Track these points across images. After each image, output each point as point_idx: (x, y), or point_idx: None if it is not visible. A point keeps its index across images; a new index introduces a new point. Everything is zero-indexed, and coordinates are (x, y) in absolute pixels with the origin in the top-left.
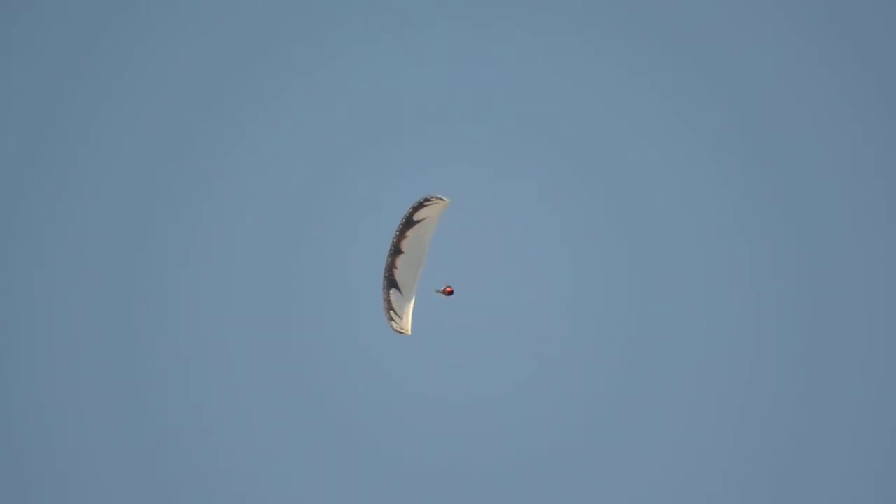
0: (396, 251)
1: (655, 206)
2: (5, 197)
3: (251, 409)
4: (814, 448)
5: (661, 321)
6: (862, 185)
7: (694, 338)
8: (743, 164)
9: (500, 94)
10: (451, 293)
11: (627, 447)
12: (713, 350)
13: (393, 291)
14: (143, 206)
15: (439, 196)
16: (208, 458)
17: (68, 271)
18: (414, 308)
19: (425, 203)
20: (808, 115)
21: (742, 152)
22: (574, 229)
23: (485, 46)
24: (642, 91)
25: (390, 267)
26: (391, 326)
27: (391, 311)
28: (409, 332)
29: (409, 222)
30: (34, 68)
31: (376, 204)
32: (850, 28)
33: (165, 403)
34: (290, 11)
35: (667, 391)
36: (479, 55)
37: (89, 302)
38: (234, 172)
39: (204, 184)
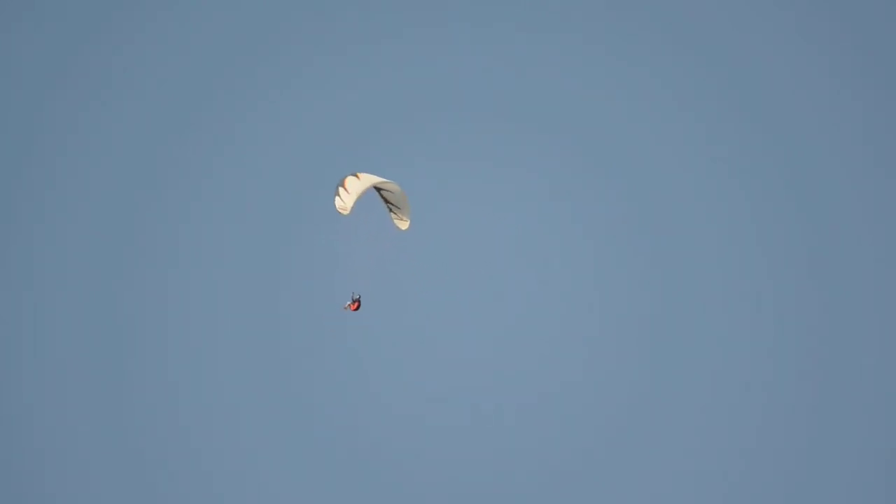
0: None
1: (663, 204)
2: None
3: (245, 413)
4: (831, 463)
5: (670, 322)
6: (884, 188)
7: (704, 340)
8: (753, 161)
9: (502, 92)
10: (357, 308)
11: (635, 453)
12: (725, 354)
13: (349, 178)
14: (135, 205)
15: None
16: (200, 461)
17: (57, 271)
18: (360, 199)
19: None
20: (821, 109)
21: (751, 149)
22: (577, 227)
23: (485, 45)
24: (647, 89)
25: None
26: (335, 203)
27: (341, 188)
28: (348, 213)
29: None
30: (28, 65)
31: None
32: (859, 29)
33: (155, 406)
34: (288, 9)
35: (677, 397)
36: (480, 54)
37: (79, 302)
38: (227, 171)
39: (198, 182)
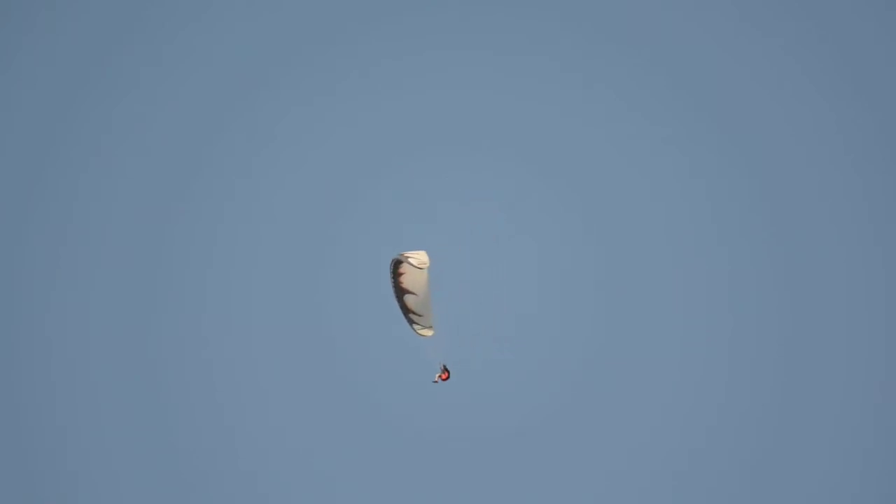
0: (399, 292)
1: (629, 205)
2: (31, 198)
3: (276, 410)
4: (787, 445)
5: (633, 317)
6: (838, 186)
7: (668, 331)
8: (719, 163)
9: (477, 112)
10: (446, 379)
11: (591, 440)
12: (688, 345)
13: (408, 297)
14: (170, 207)
15: (411, 261)
16: (230, 458)
17: (93, 272)
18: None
19: (400, 263)
20: (780, 112)
21: (718, 153)
22: (546, 229)
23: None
24: (614, 99)
25: (399, 297)
26: (415, 330)
27: (410, 314)
28: (431, 334)
29: (396, 272)
30: (61, 69)
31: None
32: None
33: (188, 404)
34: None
35: (637, 384)
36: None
37: (114, 303)
38: (256, 177)
39: (229, 188)
